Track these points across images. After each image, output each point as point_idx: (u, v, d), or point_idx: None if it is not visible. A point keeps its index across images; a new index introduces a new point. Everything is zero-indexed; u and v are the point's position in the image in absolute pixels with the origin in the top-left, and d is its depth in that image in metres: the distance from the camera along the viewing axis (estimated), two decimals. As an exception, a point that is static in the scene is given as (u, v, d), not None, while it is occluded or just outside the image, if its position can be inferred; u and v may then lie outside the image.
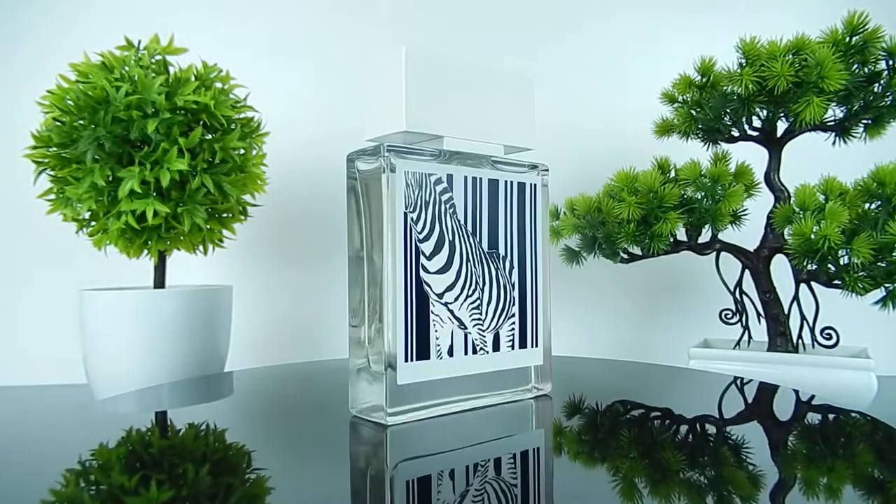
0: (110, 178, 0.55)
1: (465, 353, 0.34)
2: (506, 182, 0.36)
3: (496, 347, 0.35)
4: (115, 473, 0.25)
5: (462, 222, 0.34)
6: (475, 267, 0.34)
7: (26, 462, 0.28)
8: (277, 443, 0.31)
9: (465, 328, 0.34)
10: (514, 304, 0.36)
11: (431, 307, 0.32)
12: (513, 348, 0.36)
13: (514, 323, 0.36)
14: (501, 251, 0.35)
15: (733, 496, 0.23)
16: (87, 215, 0.58)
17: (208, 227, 0.60)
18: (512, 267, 0.36)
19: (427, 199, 0.32)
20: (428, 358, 0.32)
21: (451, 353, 0.33)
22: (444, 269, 0.33)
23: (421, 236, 0.32)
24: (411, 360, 0.32)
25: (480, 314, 0.34)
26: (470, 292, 0.34)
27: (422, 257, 0.32)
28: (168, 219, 0.56)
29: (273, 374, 0.49)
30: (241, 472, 0.26)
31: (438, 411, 0.33)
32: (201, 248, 0.63)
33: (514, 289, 0.36)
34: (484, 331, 0.35)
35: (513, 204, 0.36)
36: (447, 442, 0.29)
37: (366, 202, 0.32)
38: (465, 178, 0.34)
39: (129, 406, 0.40)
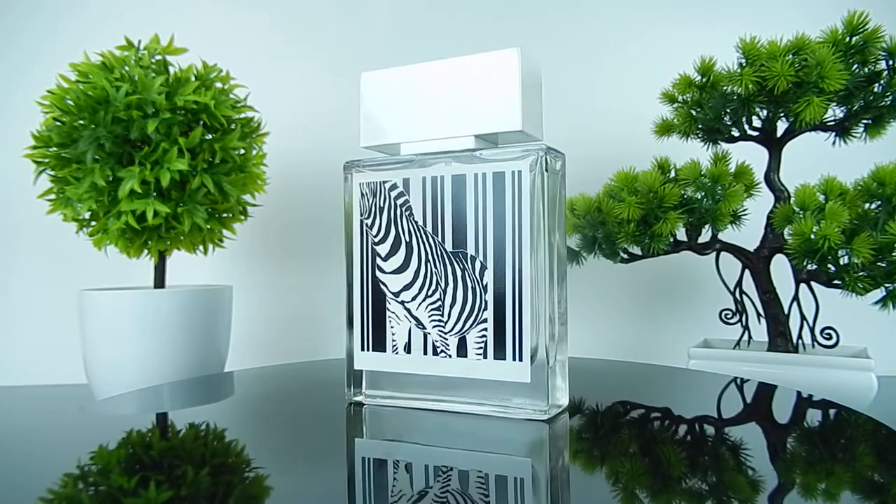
0: (110, 178, 0.55)
1: (425, 352, 0.34)
2: (475, 175, 0.33)
3: (462, 353, 0.33)
4: (114, 475, 0.25)
5: (421, 223, 0.34)
6: (436, 267, 0.34)
7: (25, 462, 0.28)
8: (277, 443, 0.31)
9: (424, 328, 0.34)
10: (485, 309, 0.32)
11: (388, 304, 0.35)
12: (484, 357, 0.32)
13: (485, 329, 0.32)
14: (470, 251, 0.33)
15: (732, 500, 0.23)
16: (87, 215, 0.59)
17: (208, 227, 0.60)
18: (484, 267, 0.32)
19: (382, 204, 0.35)
20: (384, 351, 0.35)
21: (408, 349, 0.34)
22: (400, 269, 0.34)
23: (376, 239, 0.35)
24: (367, 350, 0.35)
25: (441, 315, 0.33)
26: (430, 292, 0.34)
27: (377, 258, 0.35)
28: (168, 219, 0.57)
29: (273, 374, 0.49)
30: (241, 473, 0.26)
31: (405, 403, 0.34)
32: (201, 248, 0.63)
33: (486, 292, 0.32)
34: (446, 333, 0.33)
35: (486, 197, 0.33)
36: (418, 436, 0.29)
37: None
38: (424, 179, 0.34)
39: (128, 406, 0.40)
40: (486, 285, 0.32)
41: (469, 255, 0.33)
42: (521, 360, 0.32)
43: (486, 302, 0.32)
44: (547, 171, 0.32)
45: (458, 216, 0.33)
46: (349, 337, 0.36)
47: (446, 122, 0.34)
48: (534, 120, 0.34)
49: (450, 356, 0.33)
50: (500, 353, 0.32)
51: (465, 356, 0.33)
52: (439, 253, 0.34)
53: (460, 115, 0.34)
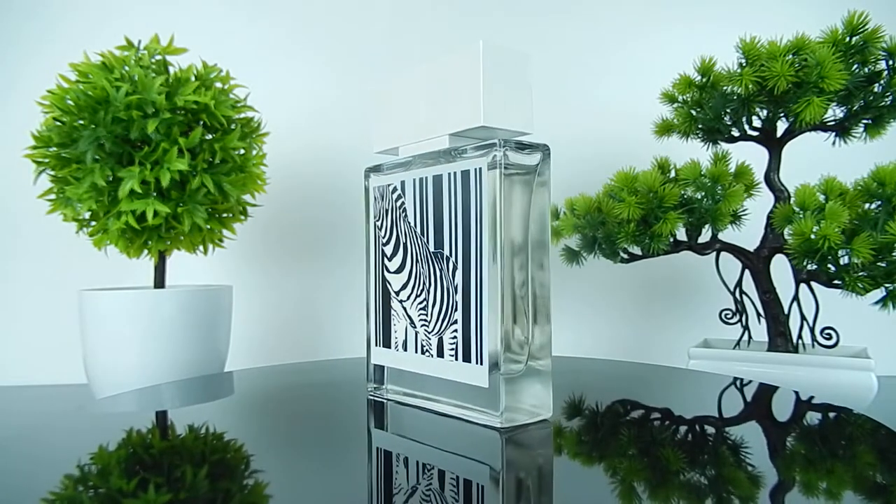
0: (110, 178, 0.55)
1: (416, 351, 0.35)
2: (449, 175, 0.32)
3: (440, 353, 0.33)
4: (114, 476, 0.25)
5: (412, 224, 0.35)
6: (422, 267, 0.34)
7: (26, 463, 0.28)
8: (278, 443, 0.31)
9: (415, 327, 0.35)
10: (456, 310, 0.32)
11: (392, 302, 0.36)
12: (456, 359, 0.32)
13: (456, 330, 0.32)
14: (446, 251, 0.33)
15: (732, 498, 0.23)
16: (87, 215, 0.59)
17: (208, 227, 0.60)
18: (455, 268, 0.32)
19: (387, 207, 0.36)
20: (390, 347, 0.36)
21: (405, 347, 0.35)
22: (399, 269, 0.36)
23: (384, 240, 0.36)
24: (379, 345, 0.37)
25: (427, 315, 0.34)
26: (418, 292, 0.34)
27: (384, 258, 0.37)
28: (168, 219, 0.57)
29: (273, 374, 0.49)
30: (241, 474, 0.26)
31: (412, 402, 0.35)
32: (201, 248, 0.63)
33: (456, 293, 0.32)
34: (429, 333, 0.34)
35: (457, 197, 0.32)
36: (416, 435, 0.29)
37: None
38: (414, 180, 0.34)
39: (128, 406, 0.40)
40: (457, 286, 0.32)
41: (444, 256, 0.33)
42: (480, 363, 0.31)
43: (456, 303, 0.32)
44: (498, 166, 0.30)
45: (438, 216, 0.33)
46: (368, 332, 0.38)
47: (429, 123, 0.34)
48: (515, 114, 0.32)
49: (432, 355, 0.34)
50: (466, 356, 0.32)
51: (443, 356, 0.33)
52: (424, 253, 0.34)
53: (439, 116, 0.34)
